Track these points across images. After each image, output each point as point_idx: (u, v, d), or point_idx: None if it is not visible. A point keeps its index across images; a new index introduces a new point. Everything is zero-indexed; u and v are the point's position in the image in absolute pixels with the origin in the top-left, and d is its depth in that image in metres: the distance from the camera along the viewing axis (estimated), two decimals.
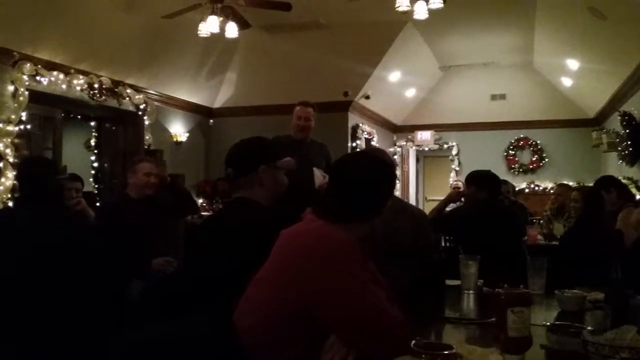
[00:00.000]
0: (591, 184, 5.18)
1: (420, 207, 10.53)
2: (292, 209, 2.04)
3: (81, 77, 6.23)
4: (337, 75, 7.89)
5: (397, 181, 8.88)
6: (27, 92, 5.55)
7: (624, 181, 5.27)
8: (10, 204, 5.15)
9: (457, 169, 10.66)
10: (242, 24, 5.75)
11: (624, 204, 4.12)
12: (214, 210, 7.64)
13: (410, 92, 10.22)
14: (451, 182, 9.60)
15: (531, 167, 10.25)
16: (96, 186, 7.18)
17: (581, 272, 2.86)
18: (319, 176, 3.73)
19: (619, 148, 6.81)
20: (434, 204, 4.53)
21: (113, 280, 3.19)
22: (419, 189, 11.90)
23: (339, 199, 1.68)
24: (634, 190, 5.51)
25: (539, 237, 5.54)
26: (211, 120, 9.12)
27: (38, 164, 3.40)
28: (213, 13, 5.31)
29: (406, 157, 11.21)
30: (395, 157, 10.64)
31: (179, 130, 8.30)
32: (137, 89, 7.17)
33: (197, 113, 8.79)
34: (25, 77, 5.53)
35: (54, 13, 5.43)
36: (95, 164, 7.28)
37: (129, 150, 7.14)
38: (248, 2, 5.41)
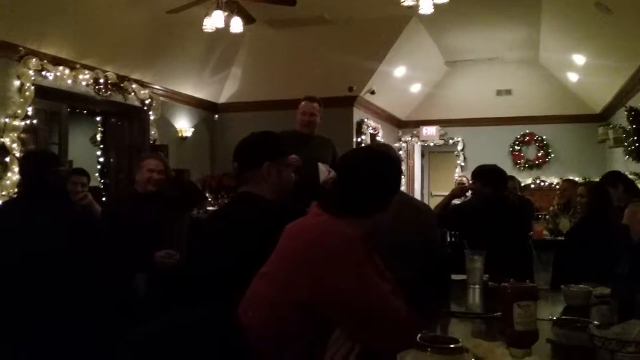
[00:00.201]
0: (597, 180, 5.16)
1: (426, 202, 10.51)
2: (297, 204, 2.04)
3: (87, 72, 6.24)
4: (342, 71, 7.87)
5: (402, 176, 8.86)
6: (33, 87, 5.57)
7: (630, 177, 5.25)
8: None
9: (463, 164, 10.64)
10: (247, 19, 5.75)
11: (630, 200, 4.10)
12: (219, 205, 7.64)
13: (416, 87, 10.20)
14: (456, 178, 9.59)
15: (537, 162, 10.22)
16: (102, 181, 7.20)
17: (587, 267, 2.85)
18: (324, 171, 3.73)
19: (625, 144, 6.77)
20: (439, 200, 4.52)
21: (118, 274, 3.20)
22: (424, 184, 11.88)
23: (344, 194, 1.68)
24: None
25: (545, 232, 5.53)
26: (216, 115, 9.13)
27: (39, 156, 3.42)
28: (218, 8, 5.30)
29: (411, 152, 11.19)
30: (401, 152, 10.62)
31: (184, 125, 8.31)
32: (143, 84, 7.18)
33: (202, 108, 8.79)
34: (31, 72, 5.55)
35: (59, 8, 5.44)
36: (101, 159, 7.30)
37: (135, 145, 7.15)
38: None
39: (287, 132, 3.94)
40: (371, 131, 9.33)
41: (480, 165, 4.00)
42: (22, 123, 5.48)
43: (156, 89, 7.52)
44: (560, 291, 2.26)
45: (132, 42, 6.51)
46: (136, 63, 6.91)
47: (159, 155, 3.93)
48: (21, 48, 5.49)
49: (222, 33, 5.80)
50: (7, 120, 5.38)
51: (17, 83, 5.49)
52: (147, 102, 7.25)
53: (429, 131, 10.69)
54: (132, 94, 7.00)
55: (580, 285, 2.25)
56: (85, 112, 7.37)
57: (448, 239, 4.40)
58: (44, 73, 5.72)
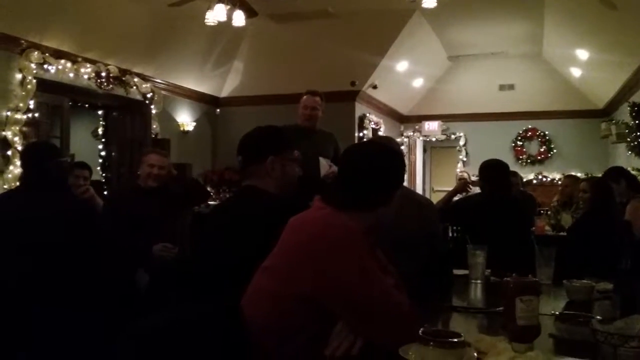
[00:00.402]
0: (600, 175, 5.15)
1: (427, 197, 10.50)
2: (300, 197, 2.03)
3: (88, 65, 6.24)
4: (345, 65, 7.86)
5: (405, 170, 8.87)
6: (34, 81, 5.56)
7: (633, 172, 5.24)
8: None
9: (465, 159, 10.63)
10: (250, 13, 5.73)
11: (633, 195, 4.09)
12: (221, 199, 7.65)
13: (418, 82, 10.17)
14: (457, 173, 9.58)
15: (539, 158, 10.20)
16: (103, 175, 7.22)
17: (590, 262, 2.85)
18: (325, 165, 3.73)
19: (628, 139, 6.76)
20: (441, 195, 4.53)
21: (118, 268, 3.20)
22: (426, 179, 11.87)
23: (347, 187, 1.67)
24: None
25: (547, 227, 5.52)
26: (218, 110, 9.12)
27: (40, 148, 3.42)
28: (220, 1, 5.29)
29: (413, 147, 11.18)
30: (403, 147, 10.60)
31: (185, 119, 8.30)
32: (144, 78, 7.17)
33: (204, 102, 8.79)
34: (32, 66, 5.54)
35: (61, 1, 5.43)
36: (103, 153, 7.31)
37: (136, 139, 7.15)
38: None
39: (289, 127, 3.93)
40: (373, 126, 9.32)
41: (484, 161, 3.99)
42: (24, 116, 5.48)
43: (158, 82, 7.51)
44: (563, 286, 2.25)
45: (134, 35, 6.50)
46: (138, 56, 6.90)
47: (161, 151, 3.95)
48: (23, 41, 5.48)
49: (224, 27, 5.80)
50: (9, 113, 5.38)
51: (19, 76, 5.48)
52: (148, 95, 7.25)
53: (431, 126, 10.67)
54: (134, 87, 7.00)
55: (583, 281, 2.25)
56: (86, 105, 7.36)
57: (450, 234, 4.40)
58: (45, 66, 5.71)
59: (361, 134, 8.78)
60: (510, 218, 3.69)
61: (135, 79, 6.99)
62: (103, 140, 7.40)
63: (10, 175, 5.28)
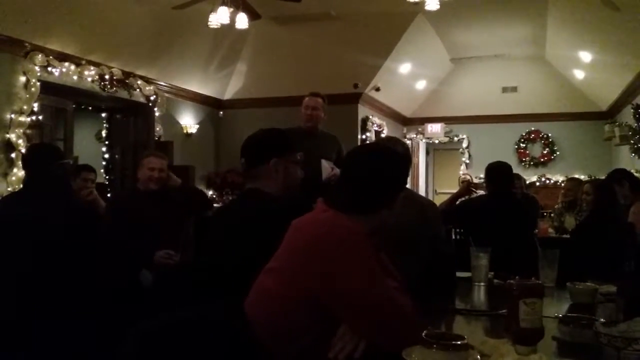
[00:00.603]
0: (603, 178, 5.14)
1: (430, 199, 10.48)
2: (303, 200, 2.04)
3: (92, 68, 6.25)
4: (347, 67, 7.86)
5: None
6: (38, 83, 5.58)
7: (636, 174, 5.23)
8: None
9: (468, 162, 10.62)
10: (253, 15, 5.74)
11: (636, 197, 4.09)
12: (224, 202, 7.66)
13: (421, 84, 10.17)
14: (460, 175, 9.58)
15: (542, 160, 10.18)
16: (107, 177, 7.22)
17: (593, 264, 2.84)
18: (327, 167, 3.73)
19: (632, 141, 6.75)
20: (444, 197, 4.52)
21: (120, 271, 3.21)
22: (428, 182, 11.86)
23: (350, 190, 1.67)
24: None
25: (550, 230, 5.51)
26: (221, 112, 9.13)
27: (44, 149, 3.43)
28: (223, 4, 5.30)
29: (416, 149, 11.17)
30: None
31: (189, 121, 8.32)
32: (148, 81, 7.19)
33: (207, 105, 8.80)
34: (37, 68, 5.56)
35: (65, 4, 5.45)
36: (106, 155, 7.32)
37: (140, 141, 7.17)
38: None
39: (292, 129, 3.94)
40: (376, 128, 9.32)
41: (490, 163, 4.00)
42: (28, 119, 5.50)
43: (161, 85, 7.53)
44: (566, 289, 2.25)
45: (138, 38, 6.51)
46: (141, 59, 6.92)
47: (159, 154, 3.95)
48: (27, 44, 5.50)
49: (228, 29, 5.81)
50: (13, 116, 5.39)
51: (22, 79, 5.50)
52: (152, 98, 7.27)
53: (434, 128, 10.67)
54: (138, 90, 7.02)
55: (586, 283, 2.25)
56: (90, 108, 7.39)
57: (453, 237, 4.39)
58: (49, 69, 5.73)
59: (364, 136, 8.78)
60: (514, 220, 3.69)
61: (139, 82, 7.01)
62: (106, 142, 7.41)
63: (14, 178, 5.29)
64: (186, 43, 7.16)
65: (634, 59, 6.60)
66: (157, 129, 7.41)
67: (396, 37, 7.73)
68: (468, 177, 7.30)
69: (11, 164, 5.34)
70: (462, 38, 8.70)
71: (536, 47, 9.03)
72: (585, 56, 7.98)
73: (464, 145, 10.71)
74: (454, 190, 4.58)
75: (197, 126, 8.41)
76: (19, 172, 5.29)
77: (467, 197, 4.42)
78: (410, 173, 10.59)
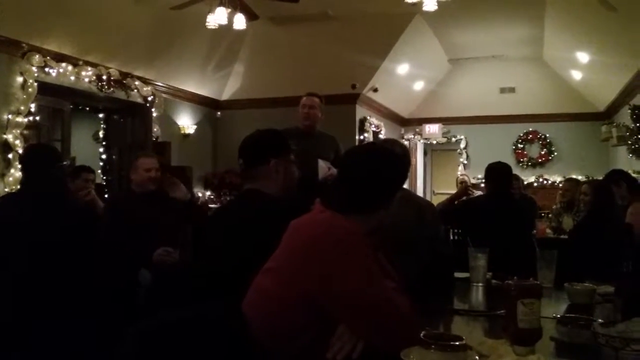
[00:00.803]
0: (600, 178, 5.14)
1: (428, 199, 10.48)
2: (302, 200, 2.04)
3: (89, 68, 6.24)
4: (345, 68, 7.87)
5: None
6: (36, 84, 5.57)
7: (633, 175, 5.23)
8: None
9: (465, 162, 10.63)
10: (250, 16, 5.74)
11: (634, 198, 4.09)
12: (221, 203, 7.65)
13: (419, 85, 10.18)
14: (458, 176, 9.58)
15: (540, 160, 10.20)
16: (104, 178, 7.22)
17: (591, 265, 2.84)
18: (324, 167, 3.73)
19: (629, 142, 6.77)
20: (442, 198, 4.52)
21: (118, 271, 3.20)
22: (426, 182, 11.87)
23: (347, 191, 1.67)
24: None
25: (548, 230, 5.51)
26: (219, 113, 9.13)
27: (39, 151, 3.42)
28: (221, 4, 5.29)
29: (414, 150, 11.17)
30: None
31: (186, 122, 8.31)
32: (145, 81, 7.18)
33: (205, 105, 8.80)
34: (34, 69, 5.55)
35: (62, 5, 5.44)
36: (104, 156, 7.32)
37: (137, 142, 7.16)
38: None
39: (290, 129, 3.95)
40: (374, 129, 9.32)
41: (490, 163, 4.00)
42: (25, 119, 5.48)
43: (159, 85, 7.52)
44: (564, 289, 2.25)
45: (135, 38, 6.51)
46: (139, 60, 6.91)
47: (150, 153, 3.95)
48: (24, 44, 5.49)
49: (225, 30, 5.80)
50: (10, 116, 5.38)
51: (20, 79, 5.49)
52: (149, 99, 7.26)
53: (432, 129, 10.68)
54: (135, 90, 7.01)
55: (584, 284, 2.25)
56: (87, 109, 7.38)
57: (451, 237, 4.40)
58: (46, 69, 5.72)
59: (361, 137, 8.78)
60: (512, 221, 3.69)
61: (136, 82, 7.00)
62: (104, 143, 7.41)
63: (11, 179, 5.28)
64: (184, 44, 7.15)
65: (631, 59, 6.61)
66: (155, 129, 7.40)
67: (394, 38, 7.74)
68: (466, 179, 7.31)
69: (8, 164, 5.33)
70: (459, 39, 8.71)
71: (534, 47, 9.04)
72: (583, 57, 8.00)
73: (462, 145, 10.72)
74: (452, 191, 4.60)
75: (195, 127, 8.40)
76: (16, 173, 5.28)
77: (464, 197, 4.44)
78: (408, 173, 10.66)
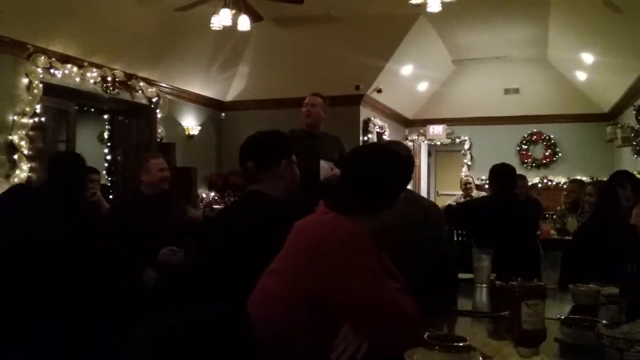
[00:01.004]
0: (605, 179, 5.13)
1: (432, 200, 10.47)
2: (305, 201, 2.04)
3: (94, 70, 6.27)
4: (349, 69, 7.87)
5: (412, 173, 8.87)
6: (41, 85, 5.59)
7: (638, 176, 5.22)
8: None
9: (469, 163, 10.61)
10: (255, 17, 5.76)
11: (638, 199, 4.08)
12: (225, 204, 7.66)
13: (423, 86, 10.17)
14: (462, 177, 9.57)
15: (544, 161, 10.17)
16: (109, 179, 7.23)
17: (596, 266, 2.84)
18: (326, 168, 3.72)
19: (634, 143, 6.75)
20: (446, 199, 4.52)
21: (123, 271, 3.21)
22: (430, 183, 11.85)
23: (351, 192, 1.67)
24: None
25: (552, 231, 5.51)
26: (223, 114, 9.13)
27: (77, 159, 3.41)
28: (225, 6, 5.31)
29: (418, 151, 11.16)
30: None
31: (190, 123, 8.32)
32: (150, 82, 7.20)
33: (209, 106, 8.81)
34: (39, 70, 5.57)
35: (68, 6, 5.46)
36: (109, 157, 7.33)
37: (142, 143, 7.18)
38: None
39: (294, 130, 3.95)
40: (378, 130, 9.31)
41: (494, 165, 4.00)
42: (31, 121, 5.50)
43: (163, 87, 7.54)
44: (568, 290, 2.24)
45: (140, 40, 6.52)
46: (144, 61, 6.93)
47: (158, 154, 4.01)
48: (30, 46, 5.51)
49: (230, 31, 5.82)
50: (15, 117, 5.40)
51: (25, 81, 5.51)
52: (154, 100, 7.28)
53: (436, 130, 10.66)
54: (140, 92, 7.03)
55: (589, 285, 2.24)
56: (92, 110, 7.40)
57: (455, 238, 4.39)
58: (52, 71, 5.74)
59: (365, 138, 8.78)
60: (516, 222, 3.69)
61: (141, 84, 7.02)
62: (109, 144, 7.43)
63: (16, 179, 5.29)
64: (188, 45, 7.17)
65: (636, 60, 6.60)
66: (159, 130, 7.42)
67: (398, 39, 7.74)
68: (470, 180, 7.30)
69: (14, 165, 5.35)
70: (464, 40, 8.70)
71: (538, 48, 9.02)
72: (588, 58, 7.98)
73: (466, 146, 10.70)
74: (456, 192, 4.59)
75: (199, 128, 8.41)
76: (21, 174, 5.31)
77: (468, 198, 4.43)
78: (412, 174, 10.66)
